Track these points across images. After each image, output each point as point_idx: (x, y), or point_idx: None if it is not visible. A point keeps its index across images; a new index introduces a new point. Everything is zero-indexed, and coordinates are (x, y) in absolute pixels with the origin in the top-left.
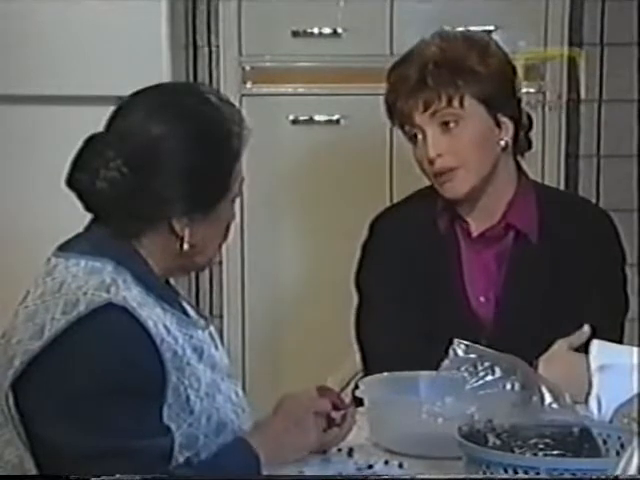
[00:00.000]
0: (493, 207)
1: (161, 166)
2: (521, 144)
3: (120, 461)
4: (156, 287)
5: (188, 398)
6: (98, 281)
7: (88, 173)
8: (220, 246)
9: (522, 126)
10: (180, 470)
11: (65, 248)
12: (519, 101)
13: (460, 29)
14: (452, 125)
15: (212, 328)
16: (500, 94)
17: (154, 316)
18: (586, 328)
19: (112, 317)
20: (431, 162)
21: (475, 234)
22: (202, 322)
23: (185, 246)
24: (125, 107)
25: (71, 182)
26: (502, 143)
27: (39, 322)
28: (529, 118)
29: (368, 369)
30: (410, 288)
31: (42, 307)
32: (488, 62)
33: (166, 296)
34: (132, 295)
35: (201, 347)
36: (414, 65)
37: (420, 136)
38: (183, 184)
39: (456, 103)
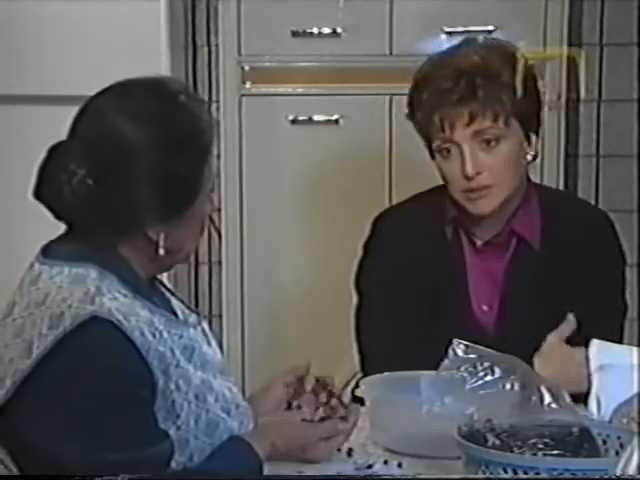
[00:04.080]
0: (501, 216)
1: (128, 176)
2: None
3: (126, 472)
4: (142, 289)
5: (174, 402)
6: (82, 292)
7: (53, 185)
8: (198, 238)
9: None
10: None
11: (48, 253)
12: (540, 114)
13: (460, 29)
14: (493, 143)
15: (204, 324)
16: (533, 112)
17: (141, 322)
18: (570, 316)
19: (98, 331)
20: (467, 179)
21: (480, 243)
22: (193, 319)
23: (161, 251)
24: (88, 111)
25: (38, 194)
26: (529, 158)
27: (27, 338)
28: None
29: (365, 369)
30: (411, 290)
31: (29, 320)
32: (522, 78)
33: (153, 297)
34: (118, 303)
35: (191, 346)
36: (460, 71)
37: (454, 151)
38: (153, 193)
39: (501, 122)
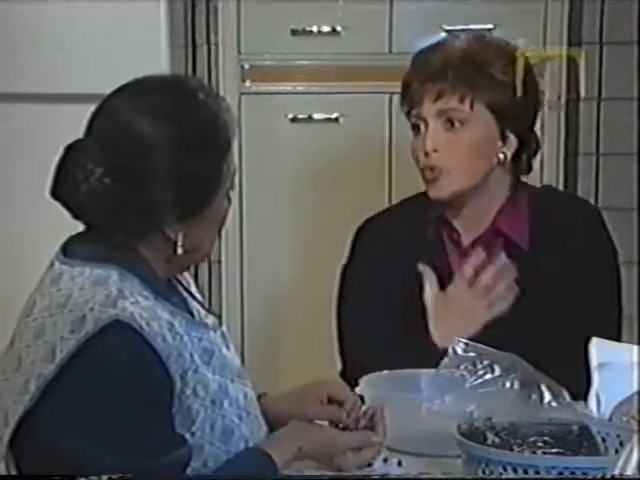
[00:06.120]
0: (483, 216)
1: (146, 173)
2: (522, 166)
3: (146, 478)
4: (162, 290)
5: (189, 407)
6: (104, 294)
7: (70, 185)
8: (216, 237)
9: (527, 148)
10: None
11: (69, 252)
12: (533, 123)
13: (460, 27)
14: (457, 125)
15: (224, 327)
16: (514, 109)
17: (163, 326)
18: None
19: (120, 336)
20: (426, 155)
21: (465, 244)
22: (211, 321)
23: (179, 250)
24: (105, 109)
25: (55, 193)
26: (500, 156)
27: (49, 340)
28: (537, 144)
29: (349, 375)
30: (397, 294)
31: (49, 322)
32: (512, 74)
33: (174, 299)
34: (140, 307)
35: (211, 349)
36: (439, 54)
37: (422, 127)
38: (171, 191)
39: (467, 104)
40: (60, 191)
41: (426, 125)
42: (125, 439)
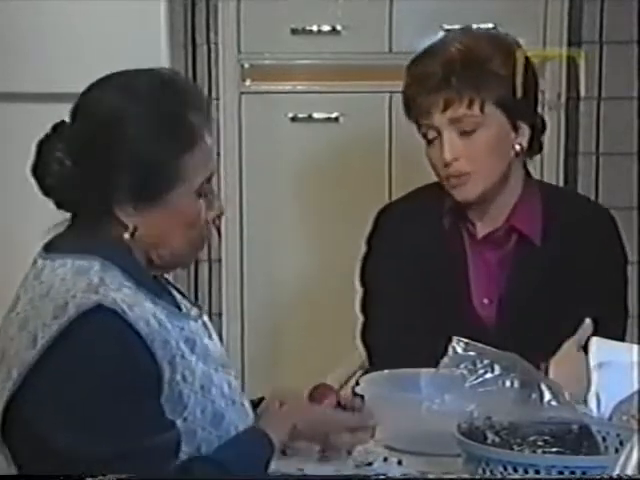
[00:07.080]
0: (499, 210)
1: (101, 152)
2: (533, 148)
3: (134, 461)
4: (145, 280)
5: (180, 393)
6: (85, 283)
7: (42, 161)
8: (196, 243)
9: (537, 129)
10: (193, 464)
11: (50, 248)
12: (536, 103)
13: (460, 27)
14: (470, 130)
15: (205, 317)
16: (520, 100)
17: (146, 312)
18: (588, 322)
19: (102, 320)
20: (446, 165)
21: (480, 236)
22: (194, 312)
23: (126, 235)
24: (82, 95)
25: (34, 171)
26: (517, 148)
27: (31, 329)
28: (543, 121)
29: (372, 364)
30: (414, 285)
31: (33, 313)
32: (512, 66)
33: (156, 289)
34: (122, 294)
35: (193, 339)
36: (438, 61)
37: (436, 137)
38: (125, 173)
39: (476, 108)
40: (35, 169)
41: (439, 135)
42: (109, 422)
